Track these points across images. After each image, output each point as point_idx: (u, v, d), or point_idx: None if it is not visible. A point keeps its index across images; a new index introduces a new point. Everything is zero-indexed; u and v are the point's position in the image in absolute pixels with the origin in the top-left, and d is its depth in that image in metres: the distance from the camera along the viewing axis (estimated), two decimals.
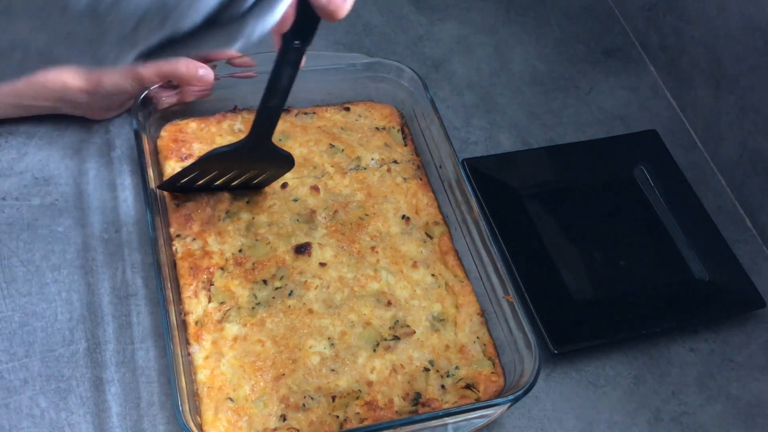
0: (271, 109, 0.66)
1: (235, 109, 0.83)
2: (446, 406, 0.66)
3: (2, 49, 0.32)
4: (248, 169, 0.73)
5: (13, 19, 0.30)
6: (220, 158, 0.71)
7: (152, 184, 0.73)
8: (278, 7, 0.37)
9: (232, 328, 0.68)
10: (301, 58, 0.63)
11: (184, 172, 0.72)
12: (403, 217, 0.77)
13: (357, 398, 0.66)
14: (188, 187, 0.74)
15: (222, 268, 0.71)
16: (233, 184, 0.75)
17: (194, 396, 0.64)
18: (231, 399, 0.64)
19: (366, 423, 0.64)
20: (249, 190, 0.76)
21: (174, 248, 0.72)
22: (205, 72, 0.78)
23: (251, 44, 0.37)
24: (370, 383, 0.67)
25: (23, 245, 0.73)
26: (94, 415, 0.65)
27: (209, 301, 0.69)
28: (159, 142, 0.79)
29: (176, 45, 0.35)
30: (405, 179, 0.80)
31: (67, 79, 0.76)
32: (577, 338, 0.74)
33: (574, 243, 0.81)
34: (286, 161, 0.74)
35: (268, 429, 0.63)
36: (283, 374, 0.66)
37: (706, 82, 0.91)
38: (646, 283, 0.79)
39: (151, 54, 0.35)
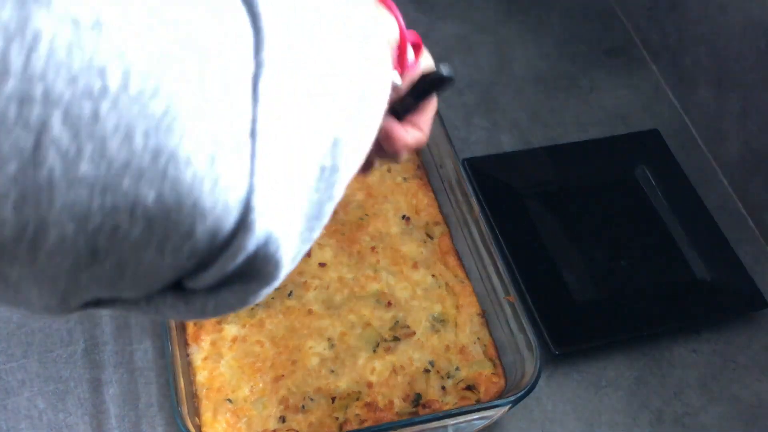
0: None
1: None
2: (447, 407, 0.65)
3: None
4: None
5: None
6: None
7: None
8: (248, 300, 0.29)
9: (231, 329, 0.68)
10: None
11: None
12: (403, 217, 0.77)
13: (357, 399, 0.65)
14: None
15: None
16: None
17: (193, 397, 0.64)
18: (230, 400, 0.64)
19: (366, 424, 0.64)
20: None
21: None
22: None
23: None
24: (370, 384, 0.66)
25: None
26: (92, 416, 0.65)
27: None
28: None
29: (123, 303, 0.28)
30: (405, 179, 0.80)
31: None
32: (578, 339, 0.74)
33: (576, 243, 0.81)
34: None
35: (268, 430, 0.63)
36: (283, 375, 0.66)
37: (708, 81, 0.91)
38: (648, 283, 0.79)
39: (99, 304, 0.28)
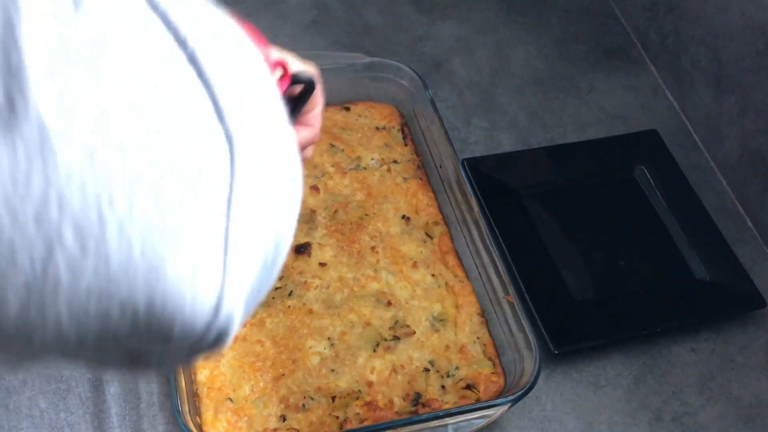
0: None
1: None
2: (446, 406, 0.66)
3: None
4: None
5: None
6: None
7: None
8: (191, 360, 0.32)
9: None
10: None
11: None
12: (403, 217, 0.77)
13: (357, 398, 0.66)
14: None
15: None
16: None
17: (194, 396, 0.64)
18: (231, 399, 0.64)
19: (366, 423, 0.64)
20: None
21: None
22: None
23: None
24: (370, 383, 0.67)
25: None
26: (93, 415, 0.65)
27: None
28: None
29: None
30: (405, 179, 0.80)
31: None
32: (577, 338, 0.74)
33: (575, 243, 0.81)
34: None
35: (268, 429, 0.63)
36: (283, 374, 0.66)
37: (706, 81, 0.91)
38: (647, 283, 0.79)
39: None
